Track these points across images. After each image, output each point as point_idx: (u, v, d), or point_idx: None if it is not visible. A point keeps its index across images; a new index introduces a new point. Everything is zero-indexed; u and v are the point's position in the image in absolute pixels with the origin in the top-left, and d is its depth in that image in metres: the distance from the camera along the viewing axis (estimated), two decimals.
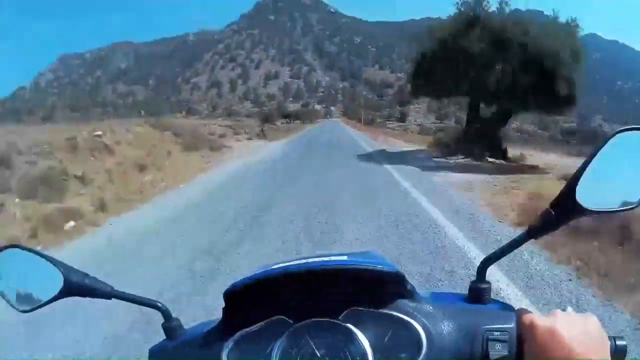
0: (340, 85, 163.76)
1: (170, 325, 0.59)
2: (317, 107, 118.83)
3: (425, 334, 0.49)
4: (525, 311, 0.49)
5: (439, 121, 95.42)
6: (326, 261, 0.51)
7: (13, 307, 0.57)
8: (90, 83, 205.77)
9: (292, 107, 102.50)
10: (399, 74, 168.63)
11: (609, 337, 0.46)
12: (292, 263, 0.52)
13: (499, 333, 0.48)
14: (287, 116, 72.33)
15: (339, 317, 0.51)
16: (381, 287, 0.51)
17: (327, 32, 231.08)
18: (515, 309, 0.51)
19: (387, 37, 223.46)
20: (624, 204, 0.48)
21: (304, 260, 0.52)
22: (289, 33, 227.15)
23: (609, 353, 0.45)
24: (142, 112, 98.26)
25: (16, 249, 0.59)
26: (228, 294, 0.53)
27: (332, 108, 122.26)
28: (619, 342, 0.47)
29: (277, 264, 0.53)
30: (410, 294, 0.53)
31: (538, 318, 0.46)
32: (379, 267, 0.50)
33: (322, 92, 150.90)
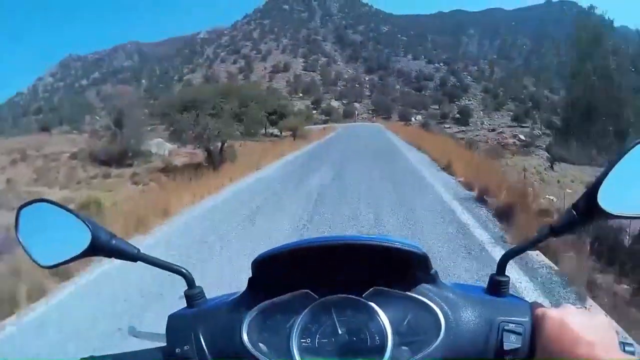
0: (367, 78, 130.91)
1: (192, 293, 0.57)
2: (335, 103, 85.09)
3: (445, 320, 0.49)
4: (539, 305, 0.50)
5: (517, 124, 60.73)
6: (356, 237, 0.50)
7: (34, 261, 0.54)
8: (84, 86, 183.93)
9: (300, 105, 70.67)
10: (437, 64, 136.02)
11: (619, 342, 0.45)
12: (321, 237, 0.51)
13: (514, 325, 0.48)
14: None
15: (363, 295, 0.50)
16: (406, 269, 0.51)
17: (350, 21, 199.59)
18: (530, 302, 0.51)
19: (417, 28, 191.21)
20: None
21: (334, 236, 0.51)
22: (305, 23, 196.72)
23: (617, 348, 0.43)
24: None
25: (45, 204, 0.56)
26: (255, 263, 0.52)
27: (357, 105, 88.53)
28: (627, 348, 0.46)
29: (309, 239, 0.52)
30: (433, 279, 0.52)
31: (550, 310, 0.47)
32: (407, 247, 0.50)
33: (343, 85, 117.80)
